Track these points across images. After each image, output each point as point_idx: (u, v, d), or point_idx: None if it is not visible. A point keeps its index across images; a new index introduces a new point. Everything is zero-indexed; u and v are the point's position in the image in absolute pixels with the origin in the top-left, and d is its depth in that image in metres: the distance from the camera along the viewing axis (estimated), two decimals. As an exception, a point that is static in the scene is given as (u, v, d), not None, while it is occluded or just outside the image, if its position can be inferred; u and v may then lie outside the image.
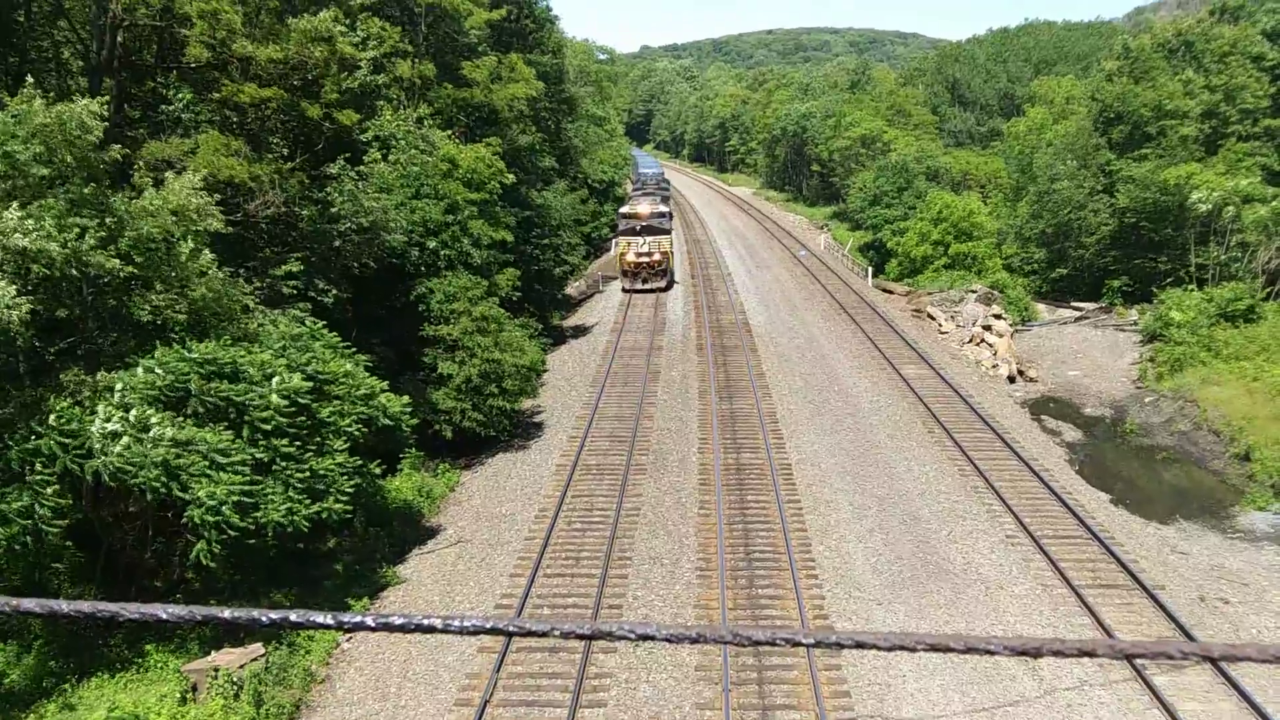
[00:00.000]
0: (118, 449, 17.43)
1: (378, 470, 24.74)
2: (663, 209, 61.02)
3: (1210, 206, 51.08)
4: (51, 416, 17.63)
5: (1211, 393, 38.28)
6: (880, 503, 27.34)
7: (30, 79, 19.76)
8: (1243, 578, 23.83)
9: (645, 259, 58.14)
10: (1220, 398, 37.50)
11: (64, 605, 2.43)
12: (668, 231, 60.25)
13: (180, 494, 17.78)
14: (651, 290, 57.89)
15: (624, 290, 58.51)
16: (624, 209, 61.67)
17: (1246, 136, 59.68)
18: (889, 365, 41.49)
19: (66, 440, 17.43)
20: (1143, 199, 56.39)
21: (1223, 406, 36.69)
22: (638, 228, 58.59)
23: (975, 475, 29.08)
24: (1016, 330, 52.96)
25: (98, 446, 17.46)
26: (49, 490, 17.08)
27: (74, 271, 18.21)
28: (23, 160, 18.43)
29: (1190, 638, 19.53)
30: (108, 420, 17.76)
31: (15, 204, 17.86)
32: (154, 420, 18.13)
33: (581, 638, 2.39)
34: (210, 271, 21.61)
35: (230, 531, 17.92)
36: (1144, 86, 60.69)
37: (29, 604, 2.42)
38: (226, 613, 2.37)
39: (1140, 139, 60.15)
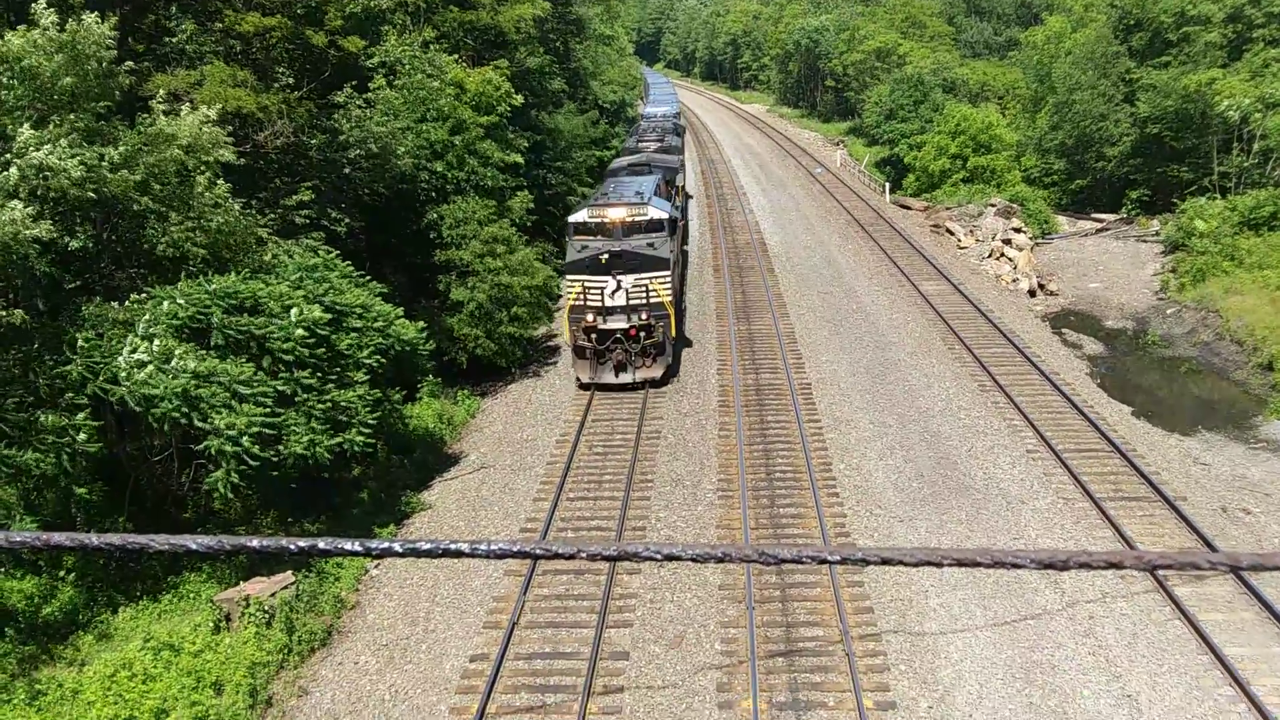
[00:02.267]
0: (142, 376, 17.56)
1: (398, 398, 24.86)
2: (657, 214, 30.51)
3: (1239, 115, 50.00)
4: (78, 343, 17.77)
5: (1234, 302, 37.91)
6: (900, 420, 27.36)
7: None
8: (1265, 488, 23.81)
9: (617, 323, 29.37)
10: (1243, 307, 37.14)
11: (94, 538, 2.43)
12: (665, 263, 29.65)
13: (200, 424, 17.93)
14: (634, 386, 29.76)
15: (579, 385, 30.41)
16: (576, 215, 31.38)
17: (1274, 41, 58.06)
18: (908, 282, 41.22)
19: (95, 364, 17.59)
20: (1164, 107, 55.27)
21: (1246, 316, 36.35)
22: (602, 256, 29.22)
23: (996, 390, 29.03)
24: (1036, 243, 52.43)
25: (123, 375, 17.59)
26: (80, 416, 17.26)
27: (91, 193, 18.11)
28: (47, 76, 18.22)
29: (1212, 548, 19.62)
30: (134, 351, 17.86)
31: (27, 125, 17.72)
32: (177, 351, 18.23)
33: (607, 559, 2.38)
34: (225, 203, 21.53)
35: (250, 462, 18.08)
36: (1166, -10, 59.05)
37: (60, 538, 2.42)
38: (256, 542, 2.37)
39: (1161, 46, 58.71)
